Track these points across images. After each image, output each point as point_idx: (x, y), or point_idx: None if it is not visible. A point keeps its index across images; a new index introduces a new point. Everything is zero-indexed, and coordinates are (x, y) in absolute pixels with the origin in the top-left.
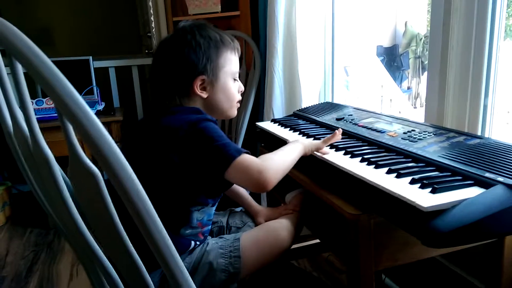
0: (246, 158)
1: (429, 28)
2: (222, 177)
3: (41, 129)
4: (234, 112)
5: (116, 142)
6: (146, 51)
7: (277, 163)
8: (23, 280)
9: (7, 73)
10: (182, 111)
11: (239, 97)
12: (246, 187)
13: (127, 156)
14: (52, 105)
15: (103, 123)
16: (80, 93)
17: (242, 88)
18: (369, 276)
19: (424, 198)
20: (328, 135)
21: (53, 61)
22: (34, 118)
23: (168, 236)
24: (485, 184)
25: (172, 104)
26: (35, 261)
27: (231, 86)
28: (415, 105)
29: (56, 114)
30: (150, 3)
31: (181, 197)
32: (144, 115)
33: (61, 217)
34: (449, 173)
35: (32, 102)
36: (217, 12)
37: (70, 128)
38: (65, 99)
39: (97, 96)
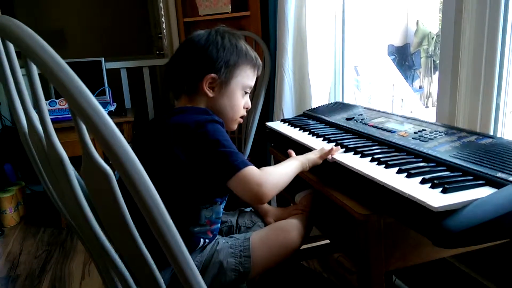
0: (250, 170)
1: (441, 27)
2: (224, 184)
3: (54, 129)
4: (234, 126)
5: (127, 142)
6: (157, 52)
7: (276, 178)
8: (36, 278)
9: (22, 75)
10: (191, 111)
11: (243, 113)
12: (244, 198)
13: (138, 156)
14: (65, 106)
15: (115, 124)
16: (92, 93)
17: (249, 105)
18: (379, 277)
19: (434, 198)
20: (328, 146)
21: (68, 62)
22: (48, 118)
23: (178, 234)
24: (497, 184)
25: (181, 104)
26: (48, 260)
27: (238, 96)
28: (426, 104)
29: (69, 115)
30: (161, 4)
31: (189, 195)
32: (154, 115)
33: (74, 216)
34: (460, 173)
35: (46, 104)
36: (227, 13)
37: (84, 128)
38: (79, 99)
39: (109, 97)
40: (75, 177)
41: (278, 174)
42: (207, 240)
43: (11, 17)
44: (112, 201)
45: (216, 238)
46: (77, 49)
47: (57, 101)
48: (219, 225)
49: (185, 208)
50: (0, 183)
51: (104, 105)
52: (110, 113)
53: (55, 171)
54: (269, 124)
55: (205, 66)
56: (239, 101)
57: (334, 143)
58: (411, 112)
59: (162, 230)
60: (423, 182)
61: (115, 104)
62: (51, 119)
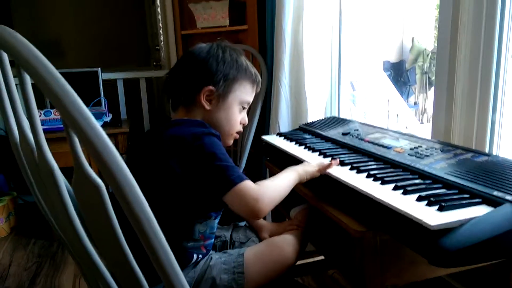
0: (246, 185)
1: (436, 44)
2: (220, 199)
3: (48, 139)
4: (230, 141)
5: (121, 154)
6: (154, 63)
7: (273, 193)
8: None
9: (15, 84)
10: (187, 123)
11: (239, 128)
12: (240, 213)
13: (131, 168)
14: (60, 116)
15: (110, 135)
16: (88, 104)
17: (246, 121)
18: None
19: (431, 216)
20: (326, 160)
21: (62, 73)
22: (40, 128)
23: (170, 250)
24: (493, 202)
25: (178, 116)
26: (38, 273)
27: (235, 111)
28: (421, 120)
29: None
30: (159, 17)
31: (183, 209)
32: (150, 126)
33: (63, 229)
34: (457, 191)
35: (40, 113)
36: (225, 26)
37: (76, 140)
38: (71, 110)
39: (105, 108)
40: (65, 188)
41: (275, 188)
42: (200, 256)
43: (5, 26)
44: (103, 215)
45: (210, 253)
46: (75, 59)
47: (52, 111)
48: (213, 240)
49: (178, 223)
50: None
51: (100, 115)
52: (105, 124)
53: (45, 182)
54: (264, 137)
55: (203, 78)
56: (235, 115)
57: (330, 158)
58: (406, 128)
59: (153, 245)
60: (419, 199)
61: (110, 114)
62: (46, 129)
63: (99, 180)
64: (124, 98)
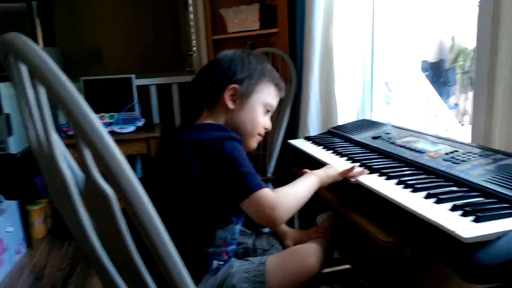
0: (264, 193)
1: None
2: (237, 205)
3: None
4: (253, 144)
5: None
6: (187, 69)
7: (291, 201)
8: None
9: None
10: (208, 127)
11: (262, 131)
12: (257, 221)
13: (153, 173)
14: None
15: (142, 139)
16: (122, 109)
17: (269, 126)
18: None
19: (465, 228)
20: (349, 166)
21: (99, 79)
22: (54, 136)
23: (180, 263)
24: None
25: (201, 120)
26: (70, 274)
27: (259, 112)
28: (462, 122)
29: None
30: (192, 23)
31: (203, 213)
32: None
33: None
34: (495, 200)
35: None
36: (255, 30)
37: (86, 150)
38: (82, 123)
39: (138, 113)
40: (79, 201)
41: (293, 196)
42: (221, 263)
43: (20, 34)
44: (113, 224)
45: (231, 260)
46: (113, 66)
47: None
48: (234, 246)
49: (199, 228)
50: (31, 196)
51: (133, 120)
52: (138, 128)
53: (60, 193)
54: (291, 141)
55: (228, 76)
56: (259, 117)
57: (358, 164)
58: (446, 130)
59: (162, 257)
60: (453, 209)
61: (143, 119)
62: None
63: (108, 189)
64: (157, 103)
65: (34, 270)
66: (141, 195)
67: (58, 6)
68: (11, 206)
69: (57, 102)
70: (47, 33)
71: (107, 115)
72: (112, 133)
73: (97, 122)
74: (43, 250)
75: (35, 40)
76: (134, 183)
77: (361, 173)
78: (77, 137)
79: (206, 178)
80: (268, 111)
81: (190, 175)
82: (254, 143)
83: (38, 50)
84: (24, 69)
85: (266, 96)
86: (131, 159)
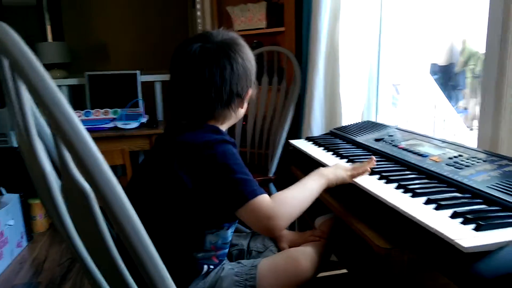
0: (259, 201)
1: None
2: (232, 213)
3: None
4: None
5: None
6: None
7: (290, 207)
8: (56, 287)
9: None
10: (201, 128)
11: None
12: (254, 229)
13: (143, 174)
14: (100, 116)
15: (145, 135)
16: (125, 105)
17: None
18: None
19: (465, 236)
20: (361, 162)
21: (104, 74)
22: (33, 131)
23: (161, 266)
24: None
25: (196, 121)
26: (70, 269)
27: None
28: (471, 127)
29: (103, 125)
30: (199, 20)
31: (192, 220)
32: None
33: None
34: (499, 208)
35: (81, 114)
36: (262, 28)
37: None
38: (61, 121)
39: (142, 109)
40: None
41: (294, 202)
42: (211, 267)
43: (4, 24)
44: (92, 222)
45: (223, 263)
46: (119, 62)
47: (92, 111)
48: (226, 250)
49: (188, 232)
50: (32, 189)
51: (136, 116)
52: (141, 125)
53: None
54: (292, 142)
55: (247, 78)
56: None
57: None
58: (454, 135)
59: (140, 255)
60: (454, 216)
61: (147, 116)
62: (86, 128)
63: (86, 186)
64: (161, 100)
65: (34, 263)
66: (120, 194)
67: (67, 1)
68: (13, 199)
69: (35, 96)
70: (56, 28)
71: (111, 110)
72: (115, 128)
73: (77, 121)
74: (43, 245)
75: (44, 34)
76: (112, 182)
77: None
78: (55, 135)
79: (195, 185)
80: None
81: (178, 181)
82: None
83: (20, 43)
84: (6, 63)
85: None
86: (135, 155)
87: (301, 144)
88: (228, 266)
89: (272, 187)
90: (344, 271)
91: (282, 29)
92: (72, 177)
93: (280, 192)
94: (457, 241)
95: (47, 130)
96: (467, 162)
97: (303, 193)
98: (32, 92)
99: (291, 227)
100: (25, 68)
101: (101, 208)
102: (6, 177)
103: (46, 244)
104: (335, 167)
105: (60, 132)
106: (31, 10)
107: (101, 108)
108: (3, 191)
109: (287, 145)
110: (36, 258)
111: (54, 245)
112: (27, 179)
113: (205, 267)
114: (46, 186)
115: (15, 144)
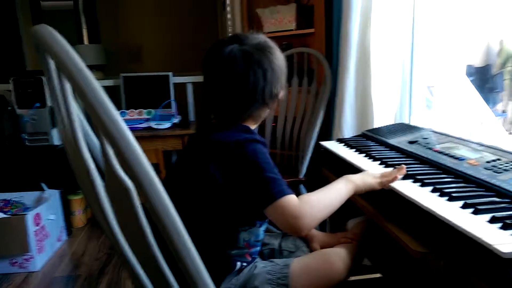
0: (287, 201)
1: None
2: (260, 211)
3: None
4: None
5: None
6: None
7: (317, 209)
8: (94, 280)
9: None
10: (234, 127)
11: None
12: (281, 228)
13: (177, 172)
14: (134, 117)
15: (178, 135)
16: (158, 106)
17: None
18: None
19: (505, 241)
20: (393, 169)
21: (138, 76)
22: (78, 130)
23: (198, 260)
24: None
25: (230, 120)
26: (107, 263)
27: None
28: (510, 130)
29: (138, 125)
30: (229, 22)
31: (225, 217)
32: (196, 130)
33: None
34: None
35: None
36: (291, 30)
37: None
38: (105, 120)
39: (175, 110)
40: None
41: (320, 204)
42: (244, 264)
43: (48, 27)
44: (133, 217)
45: (255, 261)
46: (153, 64)
47: (127, 112)
48: (259, 248)
49: (222, 230)
50: (71, 185)
51: (169, 117)
52: (174, 125)
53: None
54: (323, 143)
55: (280, 84)
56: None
57: (392, 168)
58: (491, 138)
59: (182, 256)
60: (492, 220)
61: (179, 116)
62: None
63: (129, 182)
64: (193, 100)
65: (73, 257)
66: (160, 191)
67: (103, 4)
68: (54, 195)
69: (81, 97)
70: (92, 30)
71: (145, 111)
72: (149, 128)
73: (119, 119)
74: (81, 239)
75: (81, 37)
76: (153, 179)
77: (401, 172)
78: (99, 133)
79: (227, 183)
80: None
81: (211, 178)
82: None
83: (65, 45)
84: (51, 62)
85: None
86: (168, 154)
87: (332, 145)
88: (261, 264)
89: (302, 188)
90: (377, 275)
91: (311, 30)
92: (115, 173)
93: (307, 194)
94: (496, 246)
95: (89, 130)
96: (506, 166)
97: (330, 196)
98: (78, 91)
99: (323, 229)
100: (71, 69)
101: (142, 204)
102: (47, 174)
103: (84, 238)
104: (364, 174)
105: (104, 131)
106: (68, 14)
107: (135, 109)
108: (45, 187)
109: (317, 146)
110: (75, 252)
111: (92, 240)
112: (67, 176)
113: (238, 264)
114: (90, 182)
115: (56, 142)
